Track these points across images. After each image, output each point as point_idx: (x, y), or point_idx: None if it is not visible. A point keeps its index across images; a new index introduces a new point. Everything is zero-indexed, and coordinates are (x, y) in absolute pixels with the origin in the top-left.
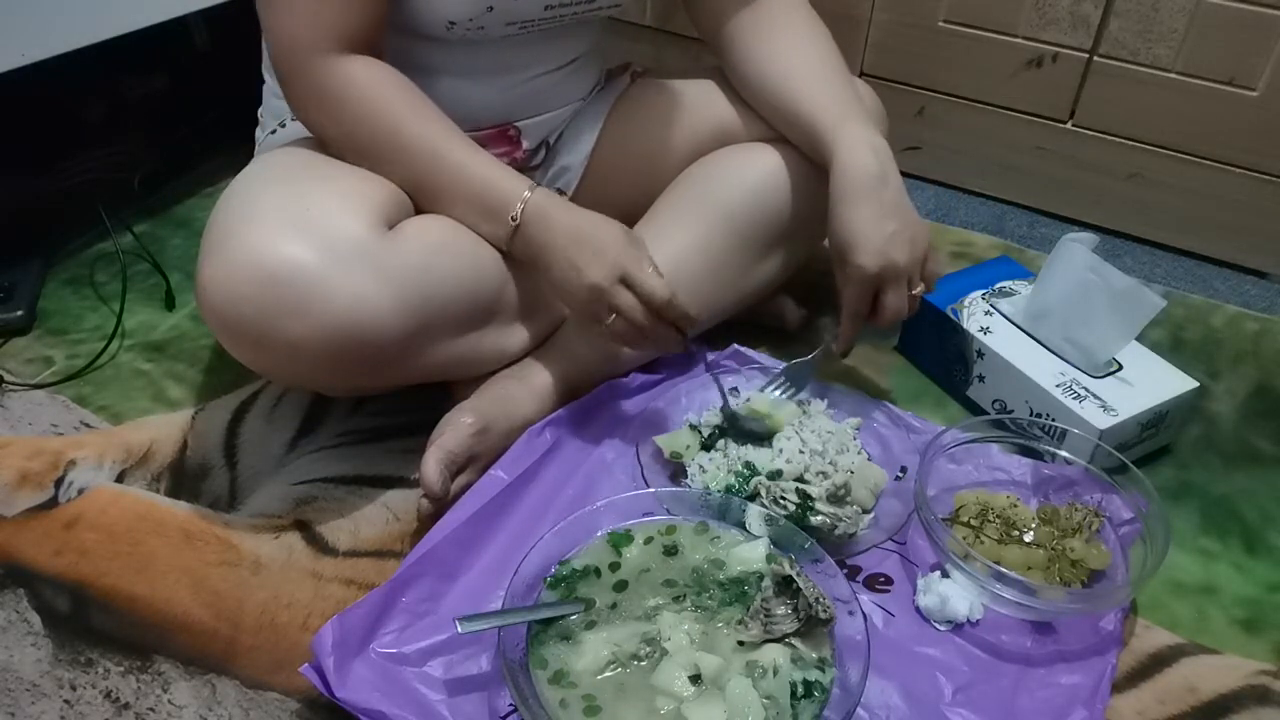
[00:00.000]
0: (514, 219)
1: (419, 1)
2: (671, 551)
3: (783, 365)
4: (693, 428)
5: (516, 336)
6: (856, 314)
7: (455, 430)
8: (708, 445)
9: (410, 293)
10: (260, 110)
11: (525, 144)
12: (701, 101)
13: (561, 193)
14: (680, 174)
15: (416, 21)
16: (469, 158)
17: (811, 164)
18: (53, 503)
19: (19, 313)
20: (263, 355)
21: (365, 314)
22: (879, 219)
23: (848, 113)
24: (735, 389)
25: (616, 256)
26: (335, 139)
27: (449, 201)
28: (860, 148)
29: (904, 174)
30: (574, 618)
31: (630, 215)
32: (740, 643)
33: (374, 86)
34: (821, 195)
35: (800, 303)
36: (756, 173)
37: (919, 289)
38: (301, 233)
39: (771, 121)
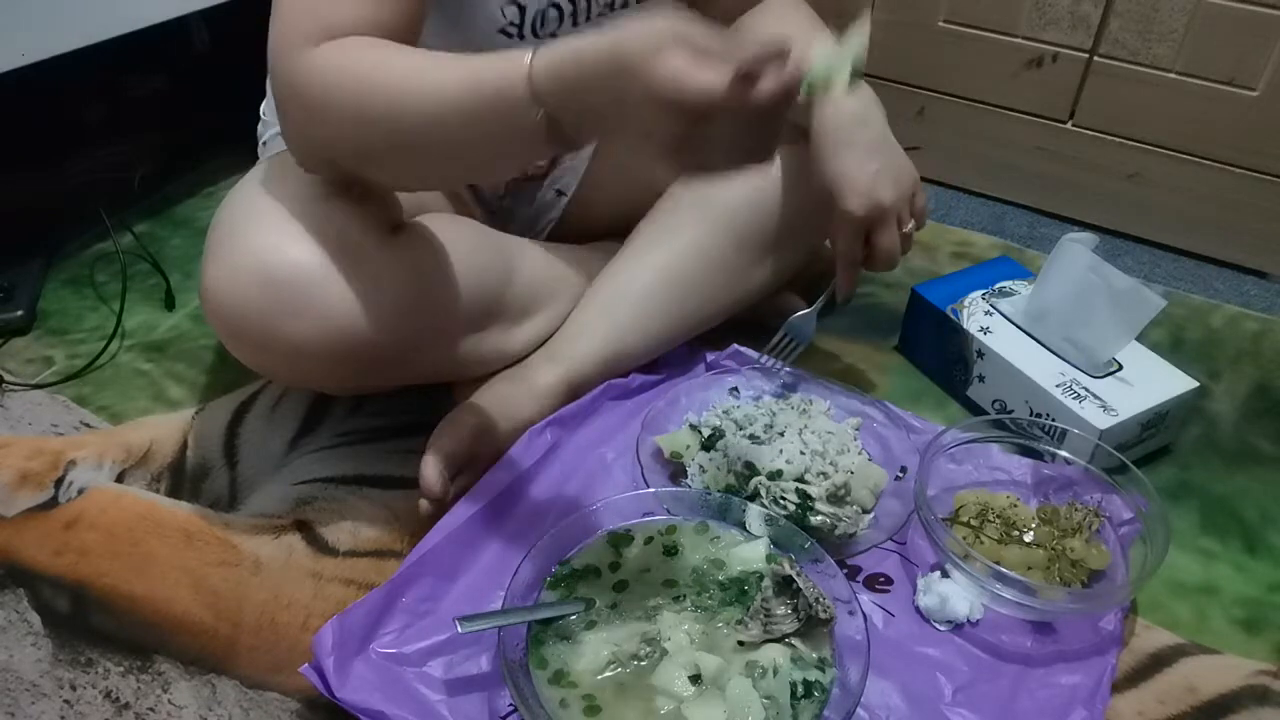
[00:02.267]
0: (530, 106)
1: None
2: (671, 551)
3: (786, 320)
4: (693, 428)
5: (516, 337)
6: (851, 261)
7: (455, 431)
8: (708, 445)
9: (411, 294)
10: (263, 106)
11: None
12: None
13: (561, 194)
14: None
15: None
16: (450, 70)
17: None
18: (53, 503)
19: (19, 313)
20: (266, 356)
21: (367, 315)
22: (861, 161)
23: None
24: (735, 389)
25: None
26: (332, 140)
27: (457, 126)
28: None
29: None
30: (574, 618)
31: (630, 216)
32: (740, 643)
33: (343, 60)
34: (821, 196)
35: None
36: (755, 173)
37: (909, 226)
38: (304, 235)
39: None
